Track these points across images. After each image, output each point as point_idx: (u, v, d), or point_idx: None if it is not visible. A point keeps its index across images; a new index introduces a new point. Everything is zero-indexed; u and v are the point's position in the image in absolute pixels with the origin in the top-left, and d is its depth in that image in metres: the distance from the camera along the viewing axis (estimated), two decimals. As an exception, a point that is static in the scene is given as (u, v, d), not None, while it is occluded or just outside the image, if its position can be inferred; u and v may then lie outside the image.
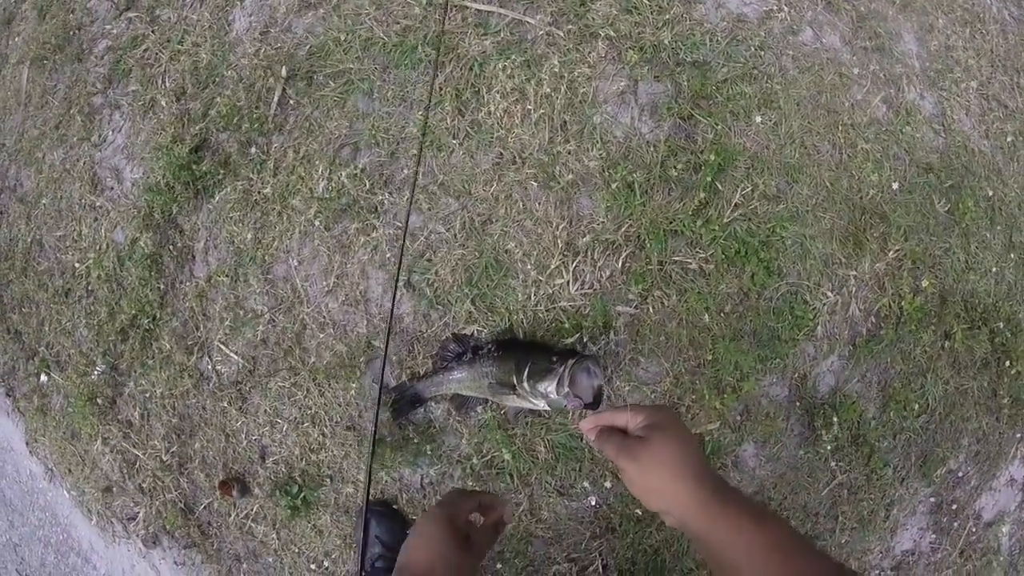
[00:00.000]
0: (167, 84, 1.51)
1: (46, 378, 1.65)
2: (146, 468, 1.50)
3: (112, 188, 1.58)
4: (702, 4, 1.38)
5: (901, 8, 1.57)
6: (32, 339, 1.67)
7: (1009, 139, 1.61)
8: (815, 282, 1.32)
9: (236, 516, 1.45)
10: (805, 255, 1.32)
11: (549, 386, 0.99)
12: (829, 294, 1.33)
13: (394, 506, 1.30)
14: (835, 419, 1.33)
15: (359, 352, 1.26)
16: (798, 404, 1.34)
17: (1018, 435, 1.61)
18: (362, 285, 1.26)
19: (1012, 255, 1.55)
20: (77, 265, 1.60)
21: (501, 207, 1.24)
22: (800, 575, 0.55)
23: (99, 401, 1.53)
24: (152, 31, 1.60)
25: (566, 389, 0.97)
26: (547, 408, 1.07)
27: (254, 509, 1.42)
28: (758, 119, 1.34)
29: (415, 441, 1.27)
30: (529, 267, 1.22)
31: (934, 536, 1.57)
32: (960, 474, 1.55)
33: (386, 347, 1.04)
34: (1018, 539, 1.70)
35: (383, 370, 1.08)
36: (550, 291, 1.23)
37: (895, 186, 1.42)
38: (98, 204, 1.59)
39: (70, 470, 1.66)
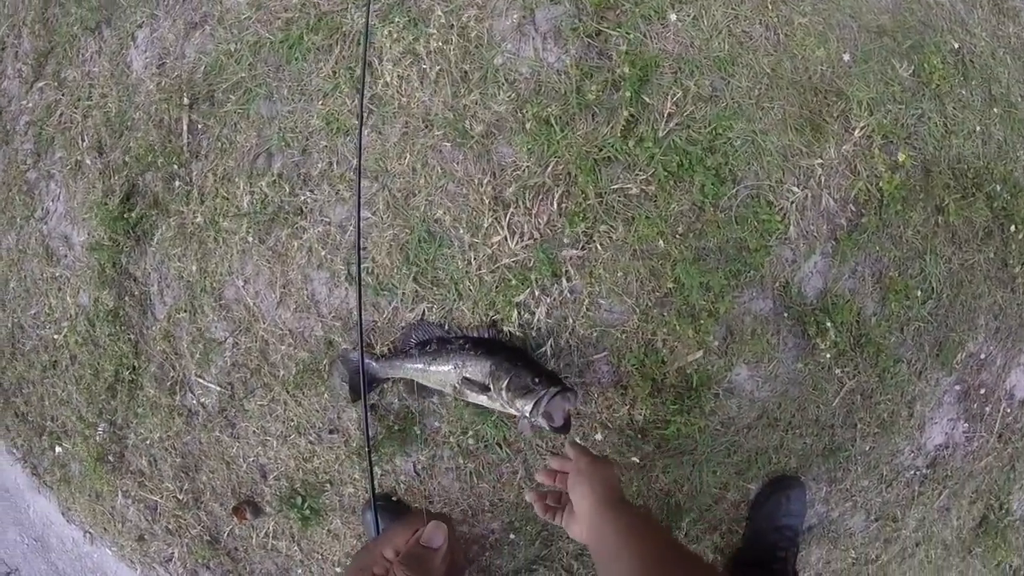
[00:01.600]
0: (86, 142, 1.61)
1: (60, 449, 1.81)
2: (167, 510, 1.64)
3: (66, 255, 1.70)
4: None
5: None
6: (37, 417, 1.84)
7: None
8: (776, 180, 1.31)
9: (257, 537, 1.57)
10: (758, 152, 1.30)
11: (527, 405, 1.08)
12: (795, 189, 1.31)
13: (394, 498, 1.38)
14: (829, 324, 1.32)
15: (321, 355, 1.34)
16: (785, 315, 1.33)
17: None
18: (307, 289, 1.33)
19: (995, 109, 1.48)
20: (56, 337, 1.74)
21: (420, 177, 1.27)
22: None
23: (109, 458, 1.68)
24: (62, 95, 1.70)
25: (542, 411, 1.08)
26: (513, 414, 1.16)
27: (271, 527, 1.54)
28: (673, 17, 1.32)
29: (398, 429, 1.34)
30: (462, 232, 1.26)
31: (967, 425, 1.55)
32: (983, 356, 1.51)
33: (361, 343, 1.11)
34: (1064, 410, 1.64)
35: (362, 368, 1.13)
36: (489, 251, 1.27)
37: (846, 58, 1.37)
38: (57, 274, 1.71)
39: (105, 529, 1.82)
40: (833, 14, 1.40)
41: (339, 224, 1.31)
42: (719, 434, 1.32)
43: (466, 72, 1.28)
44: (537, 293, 1.28)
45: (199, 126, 1.44)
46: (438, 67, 1.28)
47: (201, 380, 1.49)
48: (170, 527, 1.68)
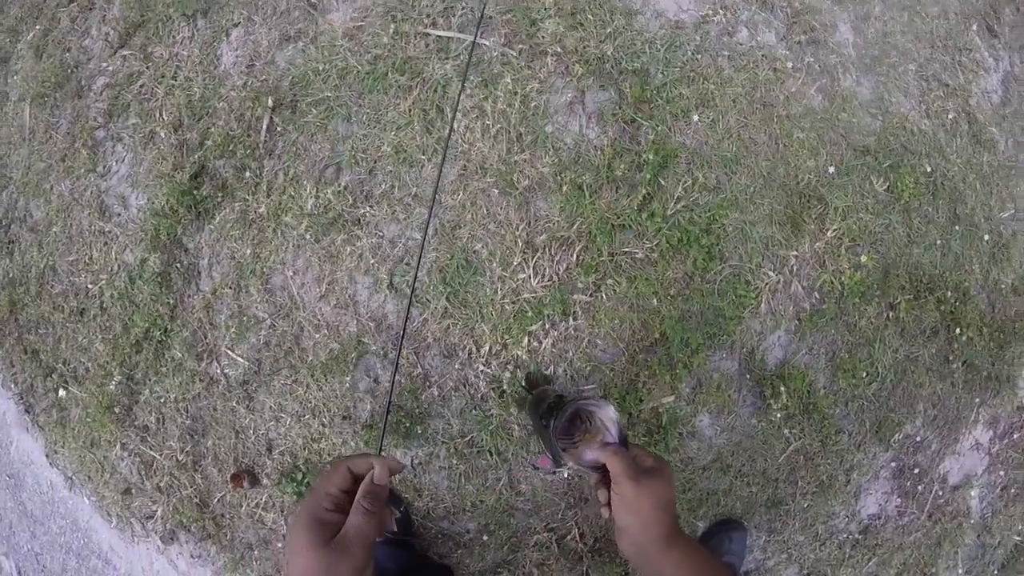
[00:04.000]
0: (164, 117, 1.94)
1: (64, 392, 2.07)
2: (163, 468, 1.91)
3: (119, 214, 2.00)
4: (642, 15, 1.79)
5: (837, 0, 1.94)
6: (49, 357, 2.10)
7: (951, 116, 1.98)
8: (756, 263, 1.70)
9: (247, 506, 1.85)
10: (745, 239, 1.70)
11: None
12: (771, 274, 1.71)
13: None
14: (783, 389, 1.71)
15: (351, 349, 1.66)
16: (748, 376, 1.71)
17: (976, 400, 1.96)
18: (350, 289, 1.66)
19: (957, 227, 1.91)
20: (90, 286, 2.02)
21: (468, 213, 1.64)
22: None
23: (116, 410, 1.95)
24: (146, 67, 2.03)
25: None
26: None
27: (263, 499, 1.83)
28: (695, 118, 1.73)
29: (406, 424, 1.66)
30: (495, 265, 1.62)
31: (899, 500, 1.93)
32: (919, 439, 1.91)
33: (401, 345, 1.44)
34: (989, 502, 2.05)
35: (397, 364, 1.46)
36: (514, 285, 1.62)
37: (831, 170, 1.80)
38: (107, 230, 2.01)
39: (89, 477, 2.07)
40: (827, 132, 1.84)
41: (390, 239, 1.66)
42: (678, 470, 1.68)
43: (521, 134, 1.67)
44: (547, 326, 1.64)
45: (278, 128, 1.79)
46: (499, 125, 1.67)
47: (230, 352, 1.79)
48: (161, 485, 1.95)
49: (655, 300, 1.66)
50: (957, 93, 2.01)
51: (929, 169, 1.90)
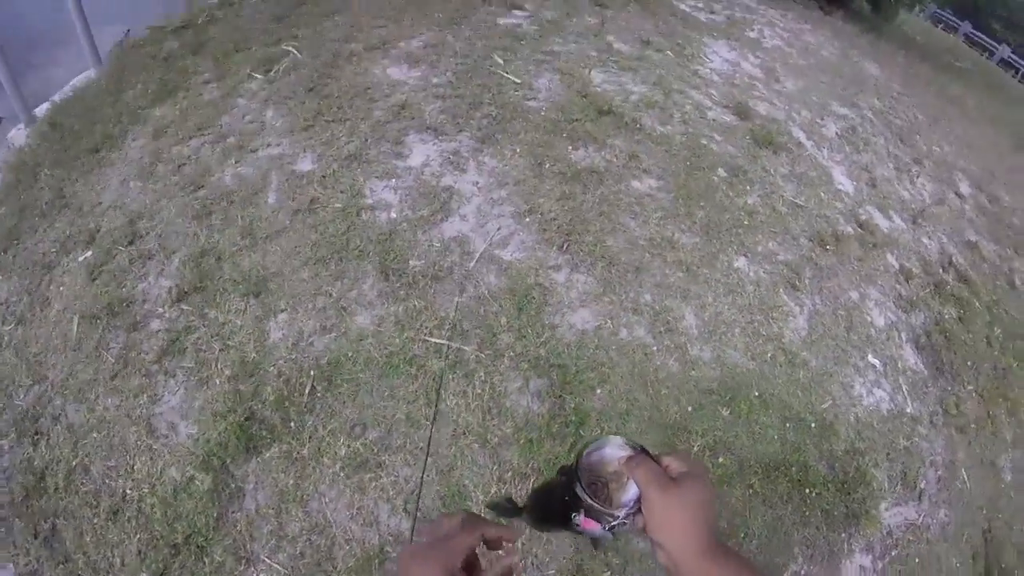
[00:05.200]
0: (220, 368, 2.71)
1: (85, 591, 2.57)
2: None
3: (167, 436, 2.68)
4: (561, 327, 2.93)
5: (682, 298, 3.25)
6: (69, 547, 2.59)
7: (769, 355, 3.32)
8: None
9: None
10: None
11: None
12: None
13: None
14: None
15: (374, 557, 2.47)
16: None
17: (843, 534, 3.13)
18: (375, 512, 2.51)
19: (788, 425, 3.19)
20: (129, 491, 2.63)
21: (458, 460, 2.59)
22: None
23: (144, 607, 2.51)
24: (203, 325, 2.80)
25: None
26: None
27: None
28: (599, 391, 2.87)
29: None
30: (478, 493, 2.57)
31: None
32: (803, 573, 2.99)
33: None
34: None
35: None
36: (485, 510, 2.57)
37: (690, 409, 3.00)
38: (154, 446, 2.67)
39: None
40: (684, 385, 3.14)
41: (404, 479, 2.55)
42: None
43: (491, 407, 2.70)
44: (506, 539, 2.59)
45: (318, 393, 2.65)
46: (476, 402, 2.69)
47: (268, 560, 2.51)
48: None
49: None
50: (772, 338, 3.42)
51: (757, 393, 3.21)
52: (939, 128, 7.27)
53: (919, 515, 3.30)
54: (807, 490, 3.05)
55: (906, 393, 3.73)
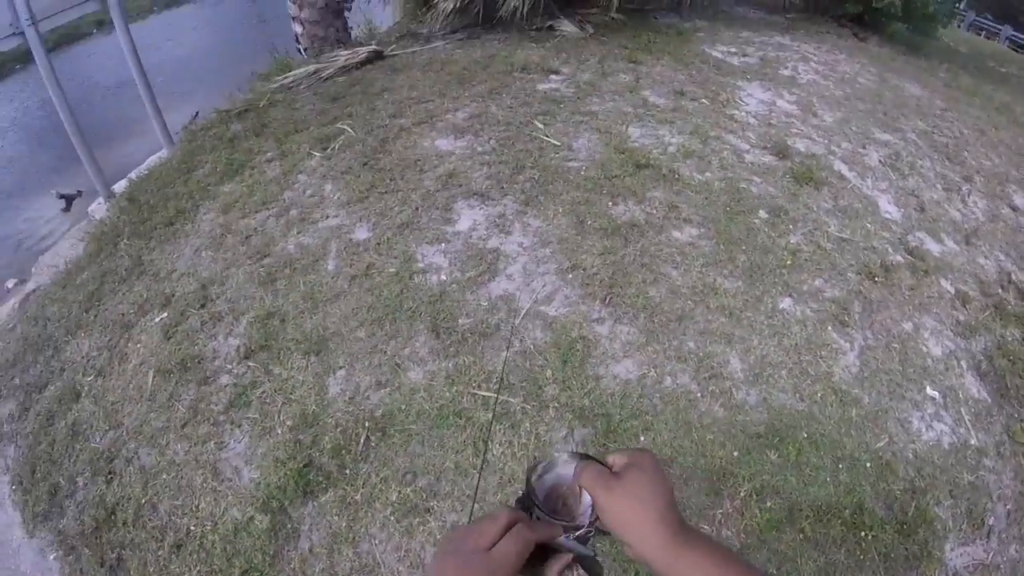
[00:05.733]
0: (283, 419, 2.97)
1: (151, 631, 2.75)
2: None
3: (231, 479, 2.91)
4: (605, 379, 3.13)
5: (726, 343, 3.42)
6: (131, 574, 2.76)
7: (819, 395, 3.41)
8: (695, 522, 2.90)
9: None
10: (683, 508, 2.90)
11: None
12: (704, 526, 2.90)
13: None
14: None
15: (420, 598, 2.62)
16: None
17: None
18: (421, 555, 2.66)
19: (841, 465, 3.22)
20: (192, 528, 2.85)
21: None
22: None
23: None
24: (268, 380, 3.08)
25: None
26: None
27: None
28: (642, 439, 3.02)
29: None
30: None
31: None
32: None
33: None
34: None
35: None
36: (528, 558, 2.71)
37: (735, 454, 3.11)
38: (219, 488, 2.90)
39: None
40: (730, 430, 3.22)
41: (451, 524, 2.71)
42: None
43: (535, 456, 2.86)
44: None
45: (372, 443, 2.88)
46: (522, 452, 2.88)
47: (322, 601, 2.67)
48: None
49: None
50: (821, 378, 3.50)
51: (806, 434, 3.26)
52: (987, 140, 6.97)
53: (988, 554, 3.12)
54: (863, 533, 2.95)
55: (969, 424, 3.60)
